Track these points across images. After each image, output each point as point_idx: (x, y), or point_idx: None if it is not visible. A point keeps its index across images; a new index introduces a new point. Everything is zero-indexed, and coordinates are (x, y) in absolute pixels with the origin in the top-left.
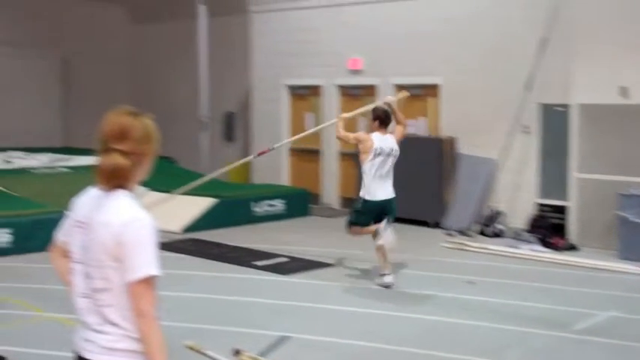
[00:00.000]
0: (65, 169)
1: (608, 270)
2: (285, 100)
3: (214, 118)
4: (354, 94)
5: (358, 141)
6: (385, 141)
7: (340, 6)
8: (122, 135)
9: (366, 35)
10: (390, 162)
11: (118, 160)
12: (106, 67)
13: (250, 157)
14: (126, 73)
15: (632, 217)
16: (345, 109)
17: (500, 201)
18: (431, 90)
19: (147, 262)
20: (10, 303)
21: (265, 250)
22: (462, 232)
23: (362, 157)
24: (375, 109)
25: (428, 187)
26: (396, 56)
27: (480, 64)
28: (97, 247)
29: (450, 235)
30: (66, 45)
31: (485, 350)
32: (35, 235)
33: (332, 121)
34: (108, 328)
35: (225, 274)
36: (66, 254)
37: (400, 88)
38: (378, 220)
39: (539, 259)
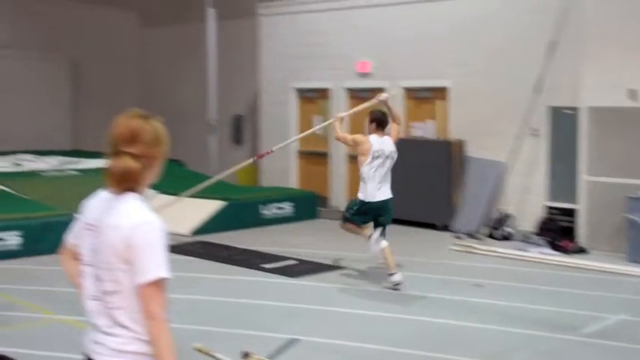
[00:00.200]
0: (74, 172)
1: (617, 273)
2: (293, 103)
3: (223, 121)
4: (362, 96)
5: (356, 143)
6: (383, 143)
7: (349, 9)
8: (132, 138)
9: (374, 38)
10: (389, 164)
11: (128, 163)
12: (116, 70)
13: (250, 161)
14: (135, 76)
15: None
16: None
17: (509, 204)
18: (439, 93)
19: (157, 264)
20: (19, 305)
21: (274, 253)
22: (471, 235)
23: (360, 159)
24: (372, 112)
25: (436, 189)
26: (405, 59)
27: (489, 67)
28: (107, 249)
29: (458, 237)
30: (75, 48)
31: (493, 353)
32: (44, 237)
33: (329, 121)
34: (118, 330)
35: (234, 276)
36: (76, 257)
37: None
38: (375, 220)
39: (548, 262)
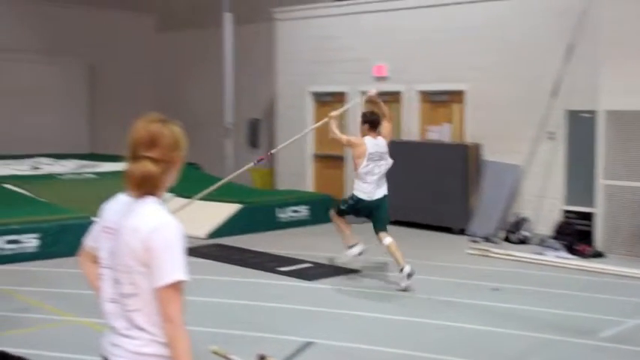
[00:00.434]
0: (91, 175)
1: (635, 277)
2: (309, 107)
3: (239, 124)
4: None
5: (351, 144)
6: (377, 145)
7: (365, 13)
8: (152, 142)
9: (390, 42)
10: (384, 164)
11: (148, 167)
12: (133, 74)
13: (251, 165)
14: (152, 80)
15: None
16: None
17: (525, 207)
18: (456, 96)
19: (175, 267)
20: (36, 307)
21: (289, 256)
22: (487, 239)
23: (356, 161)
24: (363, 114)
25: (453, 193)
26: (421, 63)
27: (506, 70)
28: (126, 252)
29: (474, 241)
30: (93, 52)
31: (509, 357)
32: (62, 240)
33: (323, 120)
34: (135, 332)
35: (250, 279)
36: (95, 259)
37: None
38: (368, 217)
39: (565, 266)
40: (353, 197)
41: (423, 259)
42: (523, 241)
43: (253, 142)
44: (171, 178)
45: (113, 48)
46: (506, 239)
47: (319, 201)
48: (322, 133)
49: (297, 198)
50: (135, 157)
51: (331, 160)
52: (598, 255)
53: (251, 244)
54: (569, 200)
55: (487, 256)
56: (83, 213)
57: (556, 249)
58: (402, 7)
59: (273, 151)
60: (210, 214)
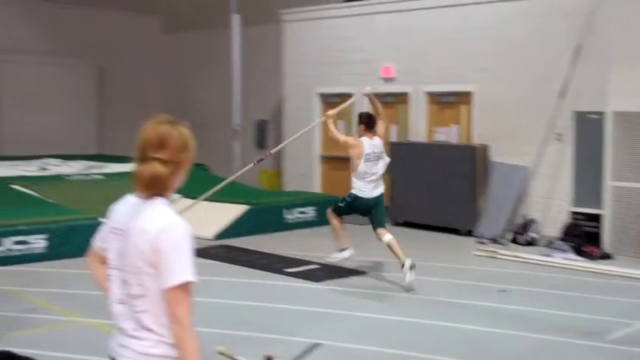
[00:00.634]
0: (99, 176)
1: None
2: (317, 108)
3: (247, 125)
4: (386, 101)
5: (348, 145)
6: (374, 145)
7: (373, 14)
8: (161, 144)
9: (398, 43)
10: (382, 164)
11: (157, 168)
12: (140, 75)
13: (250, 165)
14: (159, 82)
15: None
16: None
17: (533, 209)
18: (464, 97)
19: (183, 268)
20: (44, 308)
21: (296, 257)
22: (495, 240)
23: (354, 162)
24: (360, 115)
25: (460, 194)
26: (429, 64)
27: (513, 71)
28: (134, 253)
29: (482, 243)
30: (101, 54)
31: (517, 359)
32: (69, 240)
33: (320, 119)
34: (143, 333)
35: (257, 280)
36: (103, 260)
37: (432, 95)
38: (365, 215)
39: (572, 267)
40: (351, 195)
41: (430, 261)
42: (531, 243)
43: (261, 143)
44: (180, 179)
45: (120, 49)
46: (514, 241)
47: (326, 202)
48: (329, 135)
49: (304, 199)
50: (144, 159)
51: (338, 161)
52: (606, 257)
53: (258, 245)
54: (577, 202)
55: (494, 257)
56: (91, 214)
57: (564, 251)
58: (410, 9)
59: (272, 151)
60: (218, 216)
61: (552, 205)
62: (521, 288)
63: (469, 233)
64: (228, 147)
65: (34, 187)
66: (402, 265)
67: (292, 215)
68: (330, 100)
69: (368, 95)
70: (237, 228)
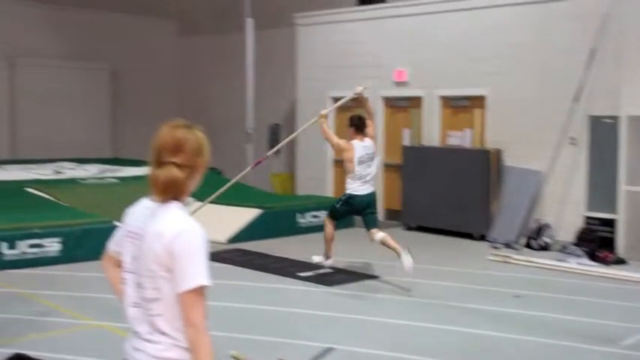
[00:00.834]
0: (114, 180)
1: None
2: (330, 112)
3: (260, 129)
4: (399, 105)
5: (340, 148)
6: (366, 147)
7: (385, 18)
8: (177, 148)
9: (411, 47)
10: (374, 165)
11: (173, 172)
12: (155, 79)
13: (248, 169)
14: (173, 85)
15: None
16: (389, 121)
17: (547, 214)
18: (477, 101)
19: (198, 272)
20: (58, 311)
21: (309, 262)
22: (508, 245)
23: (347, 165)
24: (350, 118)
25: (473, 199)
26: (442, 68)
27: (527, 75)
28: (149, 257)
29: (495, 247)
30: (115, 57)
31: None
32: (84, 244)
33: (314, 119)
34: (157, 337)
35: (270, 284)
36: (118, 264)
37: (445, 99)
38: (360, 214)
39: (586, 272)
40: (345, 195)
41: (443, 265)
42: (544, 248)
43: (274, 147)
44: (195, 183)
45: (135, 53)
46: (528, 245)
47: None
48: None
49: (317, 203)
50: (159, 163)
51: None
52: (620, 262)
53: (271, 248)
54: (591, 206)
55: (508, 262)
56: (105, 217)
57: (578, 256)
58: (423, 13)
59: (269, 154)
60: (231, 219)
61: (566, 210)
62: (534, 293)
63: (482, 238)
64: (242, 151)
65: (48, 191)
66: (400, 256)
67: (305, 219)
68: (343, 104)
69: (359, 95)
70: (250, 232)
